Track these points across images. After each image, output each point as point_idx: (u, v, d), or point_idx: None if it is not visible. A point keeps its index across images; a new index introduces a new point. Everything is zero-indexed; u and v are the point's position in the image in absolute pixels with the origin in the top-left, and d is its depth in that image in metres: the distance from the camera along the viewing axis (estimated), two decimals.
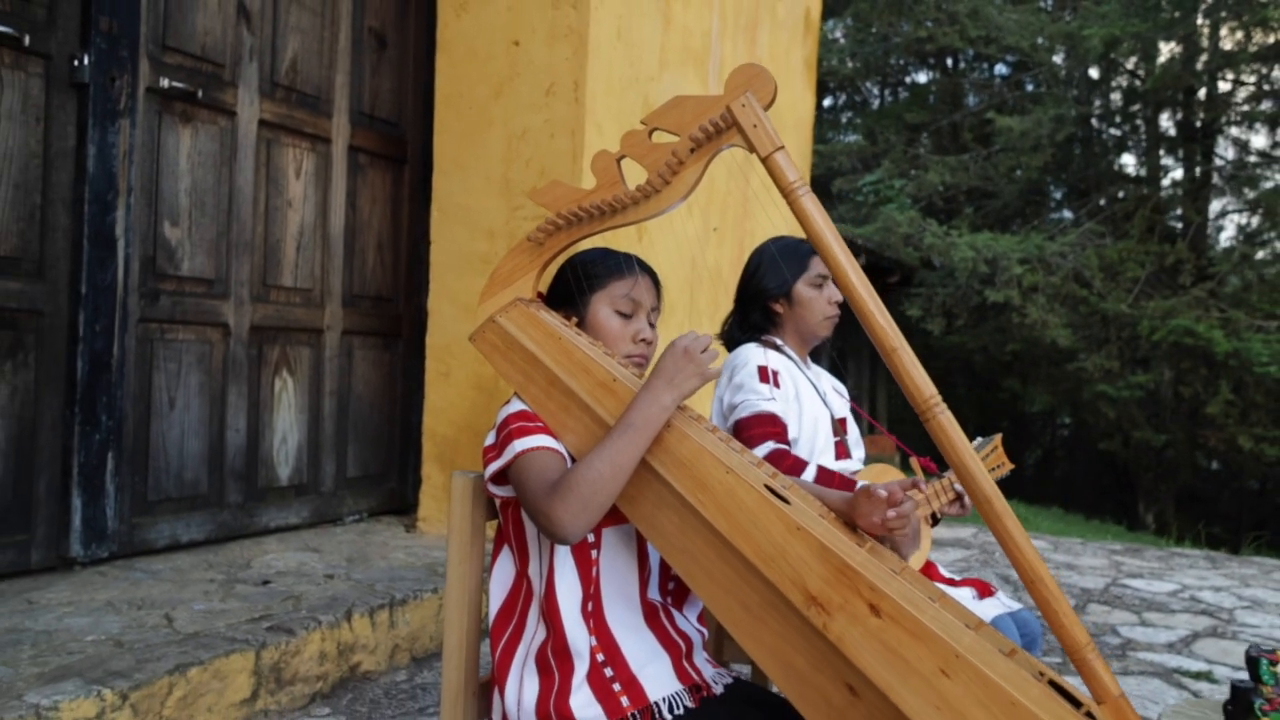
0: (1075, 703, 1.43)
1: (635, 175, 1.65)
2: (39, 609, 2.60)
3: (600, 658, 1.63)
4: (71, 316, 3.01)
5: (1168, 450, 18.00)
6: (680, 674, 1.67)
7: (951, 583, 2.41)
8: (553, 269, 1.84)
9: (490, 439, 1.70)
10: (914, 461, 2.55)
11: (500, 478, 1.66)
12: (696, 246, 5.32)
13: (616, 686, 1.61)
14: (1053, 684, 1.47)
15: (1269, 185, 18.08)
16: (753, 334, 2.57)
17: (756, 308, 2.58)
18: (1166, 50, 17.20)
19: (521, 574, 1.71)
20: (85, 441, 3.02)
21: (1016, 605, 2.43)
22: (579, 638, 1.62)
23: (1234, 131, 19.12)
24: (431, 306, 4.00)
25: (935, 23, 16.70)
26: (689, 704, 1.64)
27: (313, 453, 3.91)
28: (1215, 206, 18.81)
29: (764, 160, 1.55)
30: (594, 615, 1.65)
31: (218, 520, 3.52)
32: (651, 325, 1.82)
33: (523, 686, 1.64)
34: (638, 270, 1.79)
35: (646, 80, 4.06)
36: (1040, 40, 16.52)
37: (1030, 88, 18.58)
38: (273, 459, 3.75)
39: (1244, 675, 3.43)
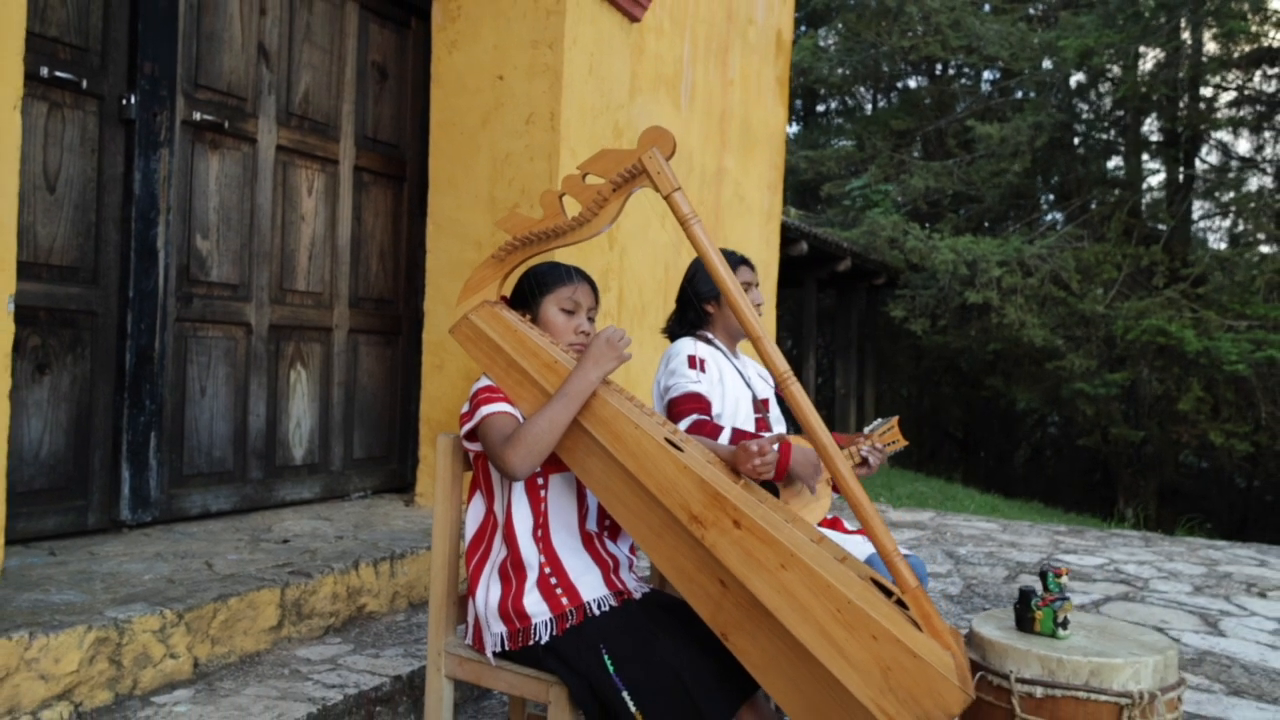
0: (889, 593, 1.99)
1: (578, 208, 2.20)
2: (100, 558, 3.14)
3: (546, 570, 2.18)
4: (120, 317, 3.55)
5: (1146, 446, 18.53)
6: (608, 584, 2.23)
7: (848, 532, 2.95)
8: (514, 278, 2.39)
9: (465, 408, 2.24)
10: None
11: (472, 436, 2.21)
12: (670, 253, 5.85)
13: (558, 590, 2.16)
14: (874, 581, 2.03)
15: (1244, 190, 18.64)
16: (689, 329, 3.11)
17: (692, 308, 3.13)
18: (1151, 57, 17.75)
19: (489, 510, 2.26)
20: (132, 423, 3.57)
21: (906, 551, 2.98)
22: (530, 555, 2.18)
23: (1213, 136, 19.69)
24: (427, 308, 4.53)
25: (918, 32, 17.23)
26: (613, 604, 2.19)
27: (323, 436, 4.45)
28: (1193, 210, 19.35)
29: (665, 197, 2.09)
30: (542, 539, 2.20)
31: (241, 493, 4.06)
32: (590, 320, 2.37)
33: (489, 592, 2.20)
34: (577, 279, 2.35)
35: (616, 108, 4.60)
36: (1022, 50, 17.06)
37: (1019, 94, 19.12)
38: (289, 441, 4.29)
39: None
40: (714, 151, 6.45)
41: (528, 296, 2.36)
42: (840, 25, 21.48)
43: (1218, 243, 20.28)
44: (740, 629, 1.97)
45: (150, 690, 2.55)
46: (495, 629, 2.19)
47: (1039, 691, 2.00)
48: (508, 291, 2.41)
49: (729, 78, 6.66)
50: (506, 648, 2.19)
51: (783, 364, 2.05)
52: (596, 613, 2.17)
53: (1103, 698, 1.96)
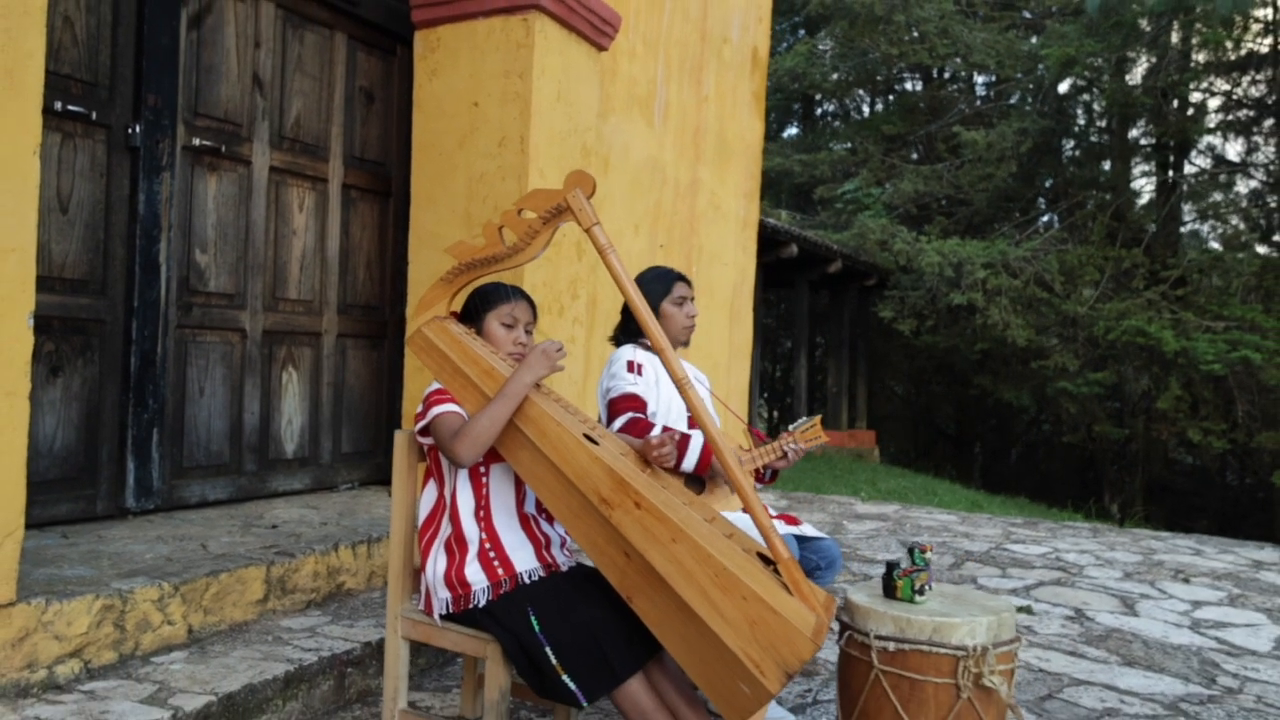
0: (769, 562, 2.37)
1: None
2: (107, 540, 3.54)
3: (486, 545, 2.57)
4: (126, 324, 3.94)
5: (1131, 444, 18.92)
6: (539, 558, 2.62)
7: (771, 517, 3.33)
8: (463, 296, 2.79)
9: (420, 408, 2.64)
10: (746, 431, 3.48)
11: (425, 432, 2.61)
12: (644, 261, 6.22)
13: (495, 563, 2.56)
14: (760, 555, 2.41)
15: (1230, 194, 18.99)
16: (631, 338, 3.50)
17: (634, 319, 3.51)
18: (1144, 62, 18.12)
19: (440, 494, 2.66)
20: (137, 420, 3.96)
21: (822, 535, 3.38)
22: (472, 532, 2.57)
23: (1201, 141, 20.05)
24: (409, 314, 4.92)
25: (908, 40, 17.61)
26: (542, 575, 2.59)
27: (313, 432, 4.84)
28: (1181, 213, 19.72)
29: (585, 230, 2.48)
30: (483, 519, 2.59)
31: (237, 484, 4.46)
32: (528, 333, 2.77)
33: (437, 563, 2.59)
34: (516, 297, 2.75)
35: (584, 130, 4.98)
36: (1009, 58, 17.45)
37: (1014, 99, 19.49)
38: (281, 437, 4.68)
39: (1064, 607, 4.45)
40: (688, 164, 6.81)
41: (474, 312, 2.76)
42: (836, 31, 21.83)
43: (1203, 245, 20.64)
44: (641, 592, 2.36)
45: (150, 651, 2.95)
46: (441, 595, 2.58)
47: (892, 646, 2.39)
48: (458, 308, 2.80)
49: (703, 95, 7.03)
50: (451, 611, 2.58)
51: (680, 371, 2.44)
52: (527, 582, 2.56)
53: (943, 650, 2.34)
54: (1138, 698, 3.55)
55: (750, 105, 8.00)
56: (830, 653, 3.87)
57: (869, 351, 19.68)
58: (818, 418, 3.60)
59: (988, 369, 19.07)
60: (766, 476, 3.45)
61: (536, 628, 2.46)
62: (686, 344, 3.55)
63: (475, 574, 2.55)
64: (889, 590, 2.57)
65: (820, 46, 22.27)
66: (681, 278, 3.51)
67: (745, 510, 3.06)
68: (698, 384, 3.60)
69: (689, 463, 3.10)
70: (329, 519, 4.22)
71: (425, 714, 2.82)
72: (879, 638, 2.42)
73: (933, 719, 2.36)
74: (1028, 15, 19.58)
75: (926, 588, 2.56)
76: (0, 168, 2.44)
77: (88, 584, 2.92)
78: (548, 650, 2.43)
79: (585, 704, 2.43)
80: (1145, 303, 15.82)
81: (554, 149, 4.74)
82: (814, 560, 3.31)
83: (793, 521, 3.33)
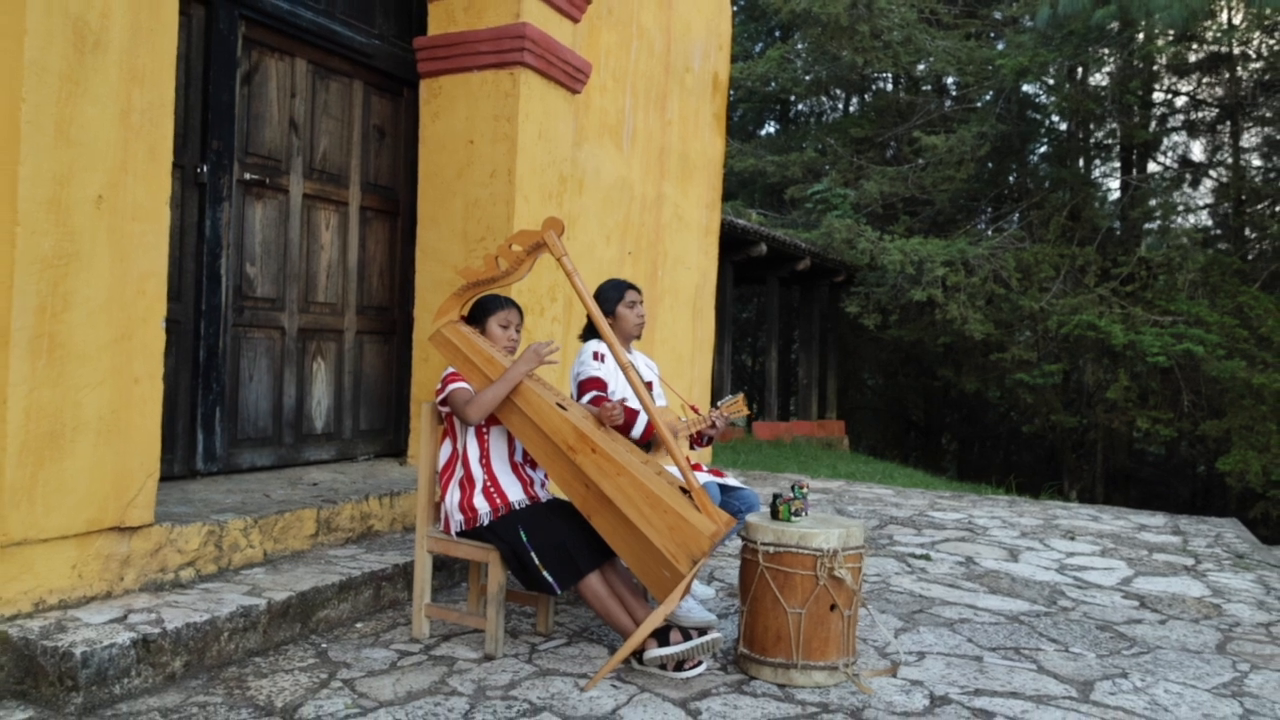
0: (688, 492, 3.41)
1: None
2: (190, 492, 4.55)
3: (488, 483, 3.61)
4: (196, 324, 4.95)
5: (1089, 433, 20.03)
6: (526, 493, 3.66)
7: (702, 471, 4.36)
8: (468, 306, 3.82)
9: (439, 385, 3.66)
10: (685, 406, 4.52)
11: (444, 403, 3.63)
12: (614, 267, 7.24)
13: (495, 495, 3.59)
14: (681, 489, 3.45)
15: (1183, 194, 20.08)
16: (596, 334, 4.52)
17: None
18: (1110, 63, 19.21)
19: (454, 447, 3.69)
20: (204, 400, 4.97)
21: (742, 485, 4.41)
22: (478, 473, 3.61)
23: (1164, 142, 21.13)
24: (416, 314, 5.93)
25: (871, 49, 18.63)
26: (529, 504, 3.62)
27: (337, 412, 5.86)
28: (1136, 212, 20.80)
29: (557, 260, 3.50)
30: (485, 465, 3.63)
31: (278, 453, 5.47)
32: (518, 332, 3.80)
33: (452, 496, 3.63)
34: (509, 306, 3.78)
35: (561, 161, 6.00)
36: (969, 65, 18.51)
37: (984, 99, 20.54)
38: (312, 415, 5.69)
39: (959, 556, 5.48)
40: (654, 181, 7.83)
41: (478, 317, 3.79)
42: (807, 39, 22.83)
43: (1169, 243, 21.72)
44: (597, 512, 3.40)
45: (239, 567, 3.97)
46: (456, 518, 3.62)
47: (772, 549, 3.42)
48: (466, 313, 3.83)
49: (668, 119, 8.05)
50: (464, 529, 3.62)
51: (625, 358, 3.49)
52: (518, 508, 3.60)
53: (805, 551, 3.38)
54: (989, 613, 4.59)
55: (711, 125, 9.02)
56: None
57: (840, 345, 20.73)
58: (741, 394, 4.64)
59: (951, 361, 20.14)
60: (704, 441, 4.49)
61: (525, 539, 3.49)
62: (639, 338, 4.57)
63: (481, 503, 3.58)
64: (774, 513, 3.60)
65: (797, 46, 23.25)
66: (633, 287, 4.53)
67: (713, 471, 4.12)
68: (646, 369, 4.65)
69: (636, 431, 4.11)
70: (356, 480, 5.24)
71: (443, 609, 3.84)
72: (763, 544, 3.45)
73: (799, 600, 3.40)
74: (999, 16, 20.62)
75: (803, 512, 3.60)
76: (146, 216, 3.46)
77: (192, 517, 3.94)
78: (532, 554, 3.47)
79: (559, 592, 3.48)
80: (1097, 298, 16.90)
81: (536, 178, 5.76)
82: (735, 505, 4.33)
83: (718, 474, 4.37)
